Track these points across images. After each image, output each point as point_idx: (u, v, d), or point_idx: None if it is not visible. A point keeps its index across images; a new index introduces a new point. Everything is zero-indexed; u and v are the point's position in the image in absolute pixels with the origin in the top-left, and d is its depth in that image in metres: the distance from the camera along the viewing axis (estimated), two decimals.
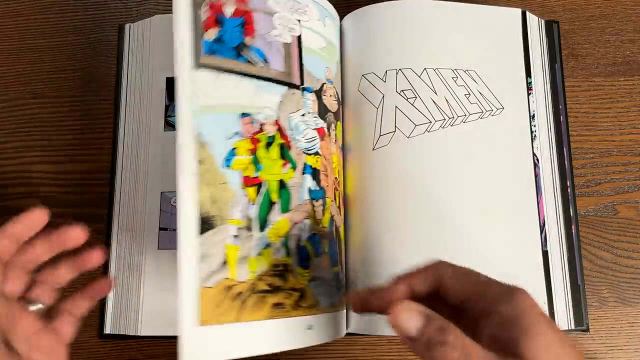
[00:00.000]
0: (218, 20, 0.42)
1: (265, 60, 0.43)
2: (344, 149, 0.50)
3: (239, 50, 0.43)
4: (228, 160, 0.40)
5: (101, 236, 0.51)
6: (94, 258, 0.40)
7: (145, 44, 0.53)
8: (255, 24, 0.43)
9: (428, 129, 0.48)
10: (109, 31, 0.56)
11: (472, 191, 0.48)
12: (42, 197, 0.52)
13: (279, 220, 0.41)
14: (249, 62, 0.42)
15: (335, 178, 0.47)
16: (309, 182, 0.43)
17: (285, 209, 0.41)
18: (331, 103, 0.47)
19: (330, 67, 0.48)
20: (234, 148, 0.40)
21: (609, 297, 0.49)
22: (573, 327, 0.46)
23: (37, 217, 0.39)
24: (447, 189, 0.47)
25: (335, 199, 0.46)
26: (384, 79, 0.49)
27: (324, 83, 0.47)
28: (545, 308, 0.46)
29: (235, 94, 0.41)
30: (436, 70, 0.50)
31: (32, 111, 0.54)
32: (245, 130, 0.41)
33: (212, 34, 0.41)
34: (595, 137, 0.52)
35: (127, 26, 0.54)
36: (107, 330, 0.48)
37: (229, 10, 0.43)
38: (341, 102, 0.51)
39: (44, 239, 0.39)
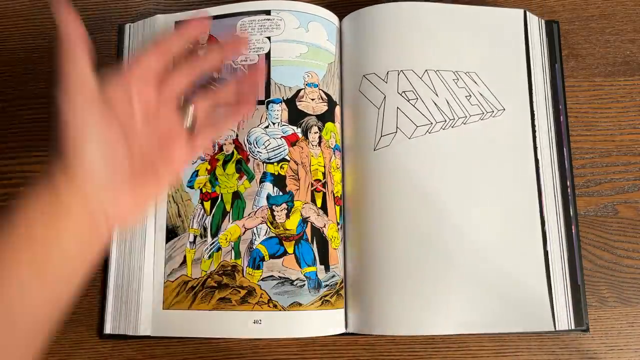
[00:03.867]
0: None
1: None
2: (343, 148, 0.50)
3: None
4: (191, 182, 0.50)
5: None
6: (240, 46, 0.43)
7: (146, 43, 0.53)
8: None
9: (429, 130, 0.49)
10: (109, 31, 0.56)
11: (472, 192, 0.48)
12: None
13: (230, 227, 0.48)
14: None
15: (318, 180, 0.48)
16: (269, 189, 0.47)
17: (237, 217, 0.48)
18: (312, 107, 0.49)
19: (314, 70, 0.50)
20: (197, 170, 0.50)
21: (609, 297, 0.49)
22: (573, 327, 0.46)
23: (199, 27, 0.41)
24: (447, 190, 0.48)
25: (315, 200, 0.48)
26: (385, 80, 0.49)
27: (301, 89, 0.49)
28: (547, 308, 0.46)
29: None
30: (437, 72, 0.50)
31: (32, 111, 0.54)
32: (207, 153, 0.50)
33: None
34: (595, 137, 0.52)
35: (127, 26, 0.54)
36: (107, 330, 0.48)
37: (201, 53, 0.49)
38: (340, 102, 0.51)
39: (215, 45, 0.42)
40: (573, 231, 0.48)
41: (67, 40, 0.35)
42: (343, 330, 0.47)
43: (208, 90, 0.42)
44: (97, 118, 0.34)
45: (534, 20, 0.53)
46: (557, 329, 0.46)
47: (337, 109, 0.51)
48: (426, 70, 0.50)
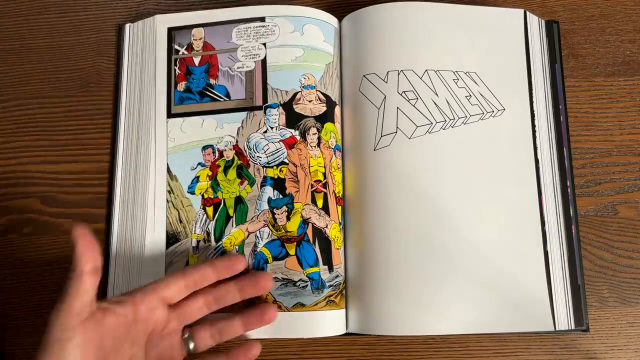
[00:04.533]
0: (188, 70, 0.51)
1: (227, 94, 0.50)
2: (343, 148, 0.50)
3: (203, 93, 0.51)
4: (191, 187, 0.50)
5: (101, 236, 0.51)
6: (267, 317, 0.44)
7: (145, 44, 0.53)
8: (219, 65, 0.51)
9: (429, 130, 0.49)
10: (109, 31, 0.56)
11: (472, 192, 0.48)
12: (42, 197, 0.52)
13: (234, 231, 0.48)
14: (212, 99, 0.50)
15: (318, 180, 0.48)
16: (269, 192, 0.48)
17: (240, 221, 0.48)
18: (310, 108, 0.49)
19: (311, 72, 0.50)
20: (197, 176, 0.50)
21: (609, 297, 0.49)
22: (573, 327, 0.46)
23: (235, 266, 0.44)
24: (448, 190, 0.48)
25: (315, 201, 0.48)
26: (385, 80, 0.49)
27: (298, 92, 0.49)
28: (547, 308, 0.46)
29: (200, 131, 0.51)
30: (437, 72, 0.50)
31: (32, 111, 0.54)
32: (207, 160, 0.50)
33: (182, 86, 0.52)
34: (595, 137, 0.52)
35: (127, 26, 0.54)
36: None
37: (197, 60, 0.52)
38: (340, 102, 0.51)
39: (236, 283, 0.44)
40: (573, 231, 0.48)
41: (79, 272, 0.36)
42: (344, 331, 0.47)
43: (216, 323, 0.44)
44: (77, 345, 0.35)
45: (534, 20, 0.53)
46: (557, 329, 0.46)
47: (337, 109, 0.51)
48: (426, 70, 0.50)
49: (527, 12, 0.52)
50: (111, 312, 0.38)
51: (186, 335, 0.43)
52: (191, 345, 0.43)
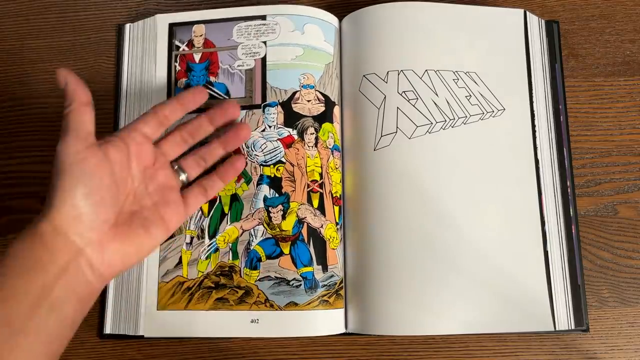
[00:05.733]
0: (188, 67, 0.52)
1: (227, 92, 0.51)
2: (342, 148, 0.50)
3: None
4: None
5: None
6: (242, 134, 0.47)
7: (145, 44, 0.53)
8: (219, 62, 0.51)
9: (429, 130, 0.49)
10: (109, 31, 0.56)
11: (473, 192, 0.48)
12: (42, 197, 0.52)
13: (228, 228, 0.48)
14: (212, 97, 0.50)
15: (314, 180, 0.48)
16: (265, 191, 0.48)
17: (235, 218, 0.49)
18: (309, 108, 0.50)
19: (310, 72, 0.50)
20: None
21: (609, 297, 0.49)
22: (573, 327, 0.46)
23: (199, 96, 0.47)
24: (448, 190, 0.48)
25: (311, 201, 0.48)
26: (385, 80, 0.49)
27: (297, 91, 0.49)
28: (547, 308, 0.46)
29: None
30: (437, 72, 0.50)
31: (32, 111, 0.54)
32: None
33: (182, 83, 0.52)
34: (595, 137, 0.52)
35: (127, 26, 0.54)
36: (107, 330, 0.48)
37: (197, 57, 0.52)
38: (339, 102, 0.51)
39: (207, 114, 0.46)
40: (573, 231, 0.48)
41: (78, 104, 0.38)
42: (343, 330, 0.47)
43: (198, 151, 0.47)
44: (93, 165, 0.37)
45: (534, 20, 0.53)
46: (557, 329, 0.46)
47: (337, 109, 0.51)
48: (426, 70, 0.50)
49: (527, 12, 0.52)
50: (111, 145, 0.39)
51: (176, 167, 0.45)
52: (183, 177, 0.45)
